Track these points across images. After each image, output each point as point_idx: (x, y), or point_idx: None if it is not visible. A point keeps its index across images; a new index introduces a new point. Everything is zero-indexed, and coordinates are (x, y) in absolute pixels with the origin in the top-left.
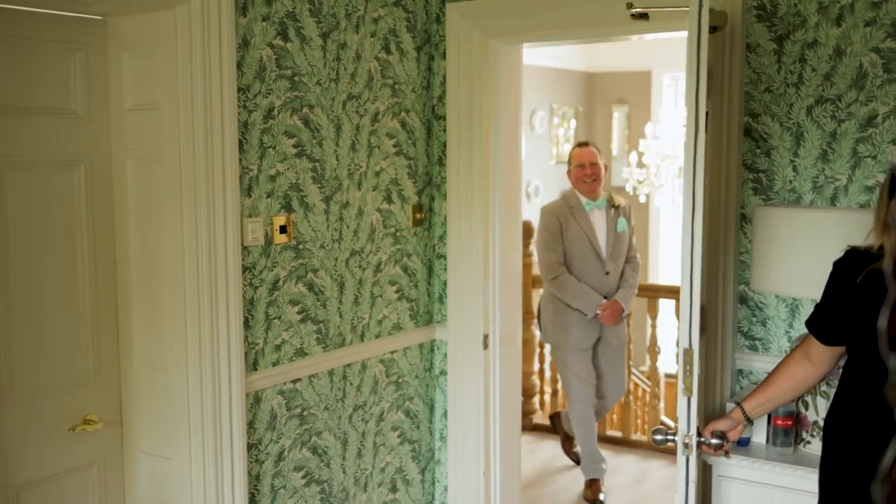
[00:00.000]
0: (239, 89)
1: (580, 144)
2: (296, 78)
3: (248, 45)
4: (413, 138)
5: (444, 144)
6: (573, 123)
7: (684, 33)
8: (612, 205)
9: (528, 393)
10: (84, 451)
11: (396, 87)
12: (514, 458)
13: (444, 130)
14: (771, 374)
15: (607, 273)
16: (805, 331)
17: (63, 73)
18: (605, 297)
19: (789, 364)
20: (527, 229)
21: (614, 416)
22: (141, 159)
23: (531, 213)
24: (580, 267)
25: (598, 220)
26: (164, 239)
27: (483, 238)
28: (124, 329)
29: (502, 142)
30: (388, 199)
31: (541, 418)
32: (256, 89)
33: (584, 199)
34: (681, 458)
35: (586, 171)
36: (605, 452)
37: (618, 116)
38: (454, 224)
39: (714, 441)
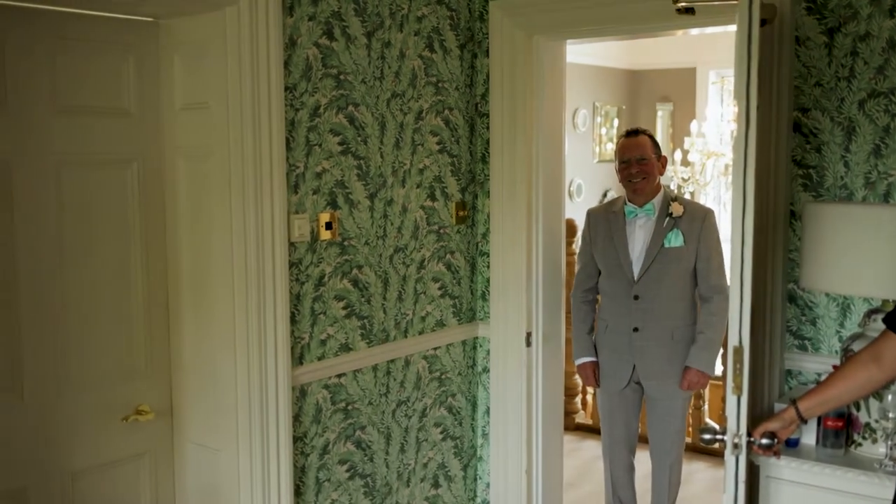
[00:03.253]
0: (286, 88)
1: (627, 133)
2: (341, 76)
3: (294, 45)
4: (456, 136)
5: (488, 142)
6: (616, 122)
7: (731, 28)
8: (667, 213)
9: (570, 392)
10: (136, 441)
11: (440, 84)
12: (557, 456)
13: (488, 128)
14: (831, 375)
15: (636, 297)
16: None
17: (116, 73)
18: (636, 330)
19: (853, 366)
20: (570, 228)
21: None
22: (191, 157)
23: (574, 212)
24: (607, 287)
25: (640, 230)
26: (214, 234)
27: (526, 236)
28: (174, 322)
29: (545, 139)
30: (432, 197)
31: (583, 418)
32: (303, 88)
33: (628, 205)
34: (730, 458)
35: (631, 168)
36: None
37: (661, 114)
38: (497, 221)
39: (764, 441)
